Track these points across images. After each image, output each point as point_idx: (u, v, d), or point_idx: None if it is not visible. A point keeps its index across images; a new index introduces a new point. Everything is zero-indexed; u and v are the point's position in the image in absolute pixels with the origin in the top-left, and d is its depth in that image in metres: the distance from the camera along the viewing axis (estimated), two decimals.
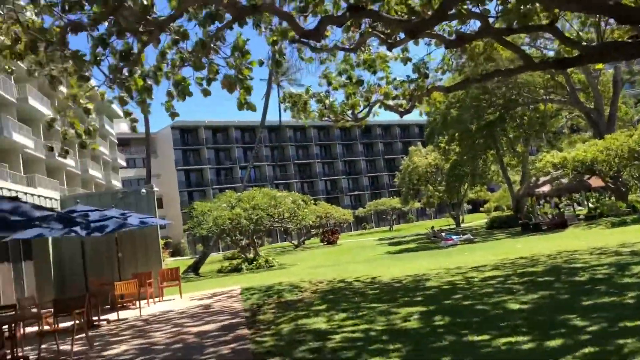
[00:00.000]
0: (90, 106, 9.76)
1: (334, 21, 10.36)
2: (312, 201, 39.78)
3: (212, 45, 8.96)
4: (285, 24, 12.20)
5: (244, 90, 9.61)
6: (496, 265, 15.08)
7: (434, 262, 18.79)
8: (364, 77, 15.73)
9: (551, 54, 29.72)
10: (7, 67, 10.51)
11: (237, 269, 28.30)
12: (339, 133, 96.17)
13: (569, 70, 38.39)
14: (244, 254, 32.01)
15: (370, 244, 42.91)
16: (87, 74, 9.07)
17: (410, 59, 14.07)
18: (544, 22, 12.07)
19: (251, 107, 9.81)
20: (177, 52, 9.58)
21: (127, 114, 10.95)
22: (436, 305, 9.69)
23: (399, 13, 11.64)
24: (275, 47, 12.56)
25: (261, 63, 11.21)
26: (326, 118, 17.41)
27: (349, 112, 17.41)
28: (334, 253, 37.10)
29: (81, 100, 10.45)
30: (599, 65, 31.73)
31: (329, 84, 15.88)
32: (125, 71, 9.24)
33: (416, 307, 9.58)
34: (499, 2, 12.49)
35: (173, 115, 10.34)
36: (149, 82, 9.60)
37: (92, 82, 9.71)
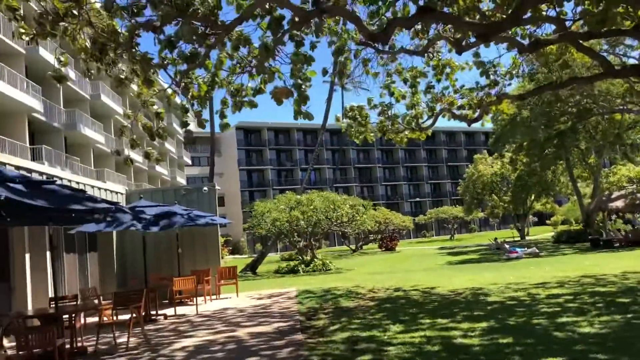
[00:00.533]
0: (161, 111, 9.90)
1: (403, 23, 10.07)
2: (372, 206, 39.37)
3: (276, 49, 8.86)
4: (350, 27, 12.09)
5: (301, 99, 9.43)
6: (562, 282, 14.30)
7: (497, 275, 18.08)
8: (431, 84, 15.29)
9: (632, 62, 28.12)
10: (86, 69, 10.77)
11: (293, 271, 28.34)
12: None
13: None
14: (301, 256, 32.05)
15: (429, 253, 42.07)
16: (153, 77, 9.19)
17: (483, 63, 13.56)
18: (627, 25, 11.34)
19: (308, 116, 9.63)
20: (238, 57, 9.55)
21: (198, 114, 10.98)
22: (498, 322, 9.21)
23: (471, 15, 11.22)
24: (340, 56, 12.36)
25: (325, 72, 11.06)
26: (387, 129, 17.04)
27: (413, 123, 16.98)
28: (392, 260, 36.58)
29: (151, 106, 10.65)
30: None
31: (392, 94, 15.59)
32: (189, 75, 9.30)
33: (477, 323, 9.14)
34: (576, 4, 11.85)
35: (224, 127, 10.31)
36: (209, 89, 9.61)
37: (162, 84, 9.85)
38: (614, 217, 39.28)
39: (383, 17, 10.73)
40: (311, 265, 28.88)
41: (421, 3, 9.70)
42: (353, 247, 53.68)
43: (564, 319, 8.98)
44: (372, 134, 16.31)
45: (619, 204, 32.87)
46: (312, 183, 76.71)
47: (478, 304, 11.52)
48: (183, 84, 9.20)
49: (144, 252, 13.91)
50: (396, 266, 29.60)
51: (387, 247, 50.95)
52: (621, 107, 38.63)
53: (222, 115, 10.46)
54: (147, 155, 10.65)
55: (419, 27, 12.53)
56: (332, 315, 11.37)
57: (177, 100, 10.93)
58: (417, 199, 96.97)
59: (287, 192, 35.48)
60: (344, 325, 9.98)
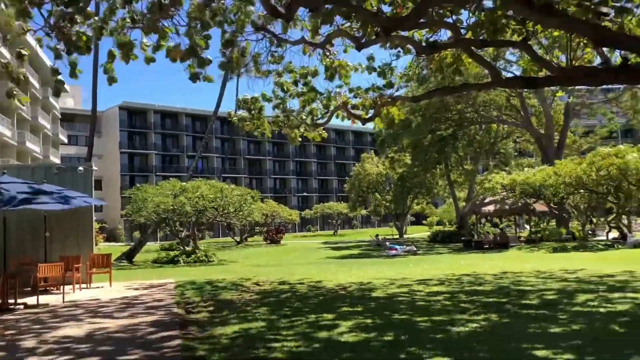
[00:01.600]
0: (25, 52, 8.62)
1: (309, 2, 9.71)
2: (260, 198, 38.94)
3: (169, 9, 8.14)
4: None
5: (198, 63, 8.79)
6: (442, 280, 14.80)
7: (379, 271, 18.40)
8: (324, 84, 15.28)
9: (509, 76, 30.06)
10: None
11: (173, 261, 27.19)
12: None
13: (525, 94, 39.21)
14: (183, 246, 30.86)
15: (314, 246, 42.45)
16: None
17: (375, 69, 13.63)
18: (515, 38, 11.85)
19: (208, 79, 8.99)
20: (129, 11, 8.67)
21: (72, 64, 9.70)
22: (383, 318, 9.19)
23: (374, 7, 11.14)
24: (229, 49, 11.68)
25: (226, 44, 10.45)
26: (280, 127, 16.74)
27: (308, 119, 16.83)
28: (277, 252, 36.40)
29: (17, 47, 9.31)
30: (560, 93, 32.51)
31: (285, 91, 15.30)
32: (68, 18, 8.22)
33: (362, 319, 9.04)
34: (471, 14, 12.19)
35: (111, 80, 9.36)
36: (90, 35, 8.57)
37: (30, 25, 8.50)
38: (483, 220, 42.01)
39: None
40: (193, 256, 27.88)
41: None
42: (238, 238, 52.89)
43: (444, 317, 9.14)
44: (268, 129, 15.90)
45: (490, 208, 35.17)
46: (199, 171, 74.62)
47: (363, 299, 11.51)
48: (58, 28, 8.06)
49: (5, 233, 12.42)
50: (281, 259, 29.41)
51: (272, 240, 50.78)
52: (497, 118, 41.46)
53: (107, 70, 9.46)
54: (9, 94, 9.14)
55: (322, 19, 12.30)
56: (213, 309, 10.80)
57: (45, 58, 9.69)
58: (305, 194, 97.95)
59: (171, 179, 34.02)
60: (226, 319, 9.47)
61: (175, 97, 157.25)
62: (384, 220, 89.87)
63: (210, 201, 28.63)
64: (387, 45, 12.26)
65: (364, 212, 71.06)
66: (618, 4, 10.00)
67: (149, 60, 9.63)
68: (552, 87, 37.24)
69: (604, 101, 45.86)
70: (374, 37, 11.98)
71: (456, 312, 9.61)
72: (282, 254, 34.93)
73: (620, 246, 25.57)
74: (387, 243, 35.40)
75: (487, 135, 43.58)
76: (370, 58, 13.17)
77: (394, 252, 29.64)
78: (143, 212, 28.65)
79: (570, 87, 37.08)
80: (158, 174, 78.44)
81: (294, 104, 16.21)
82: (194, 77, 8.92)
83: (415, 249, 30.87)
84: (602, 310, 9.13)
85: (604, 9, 9.26)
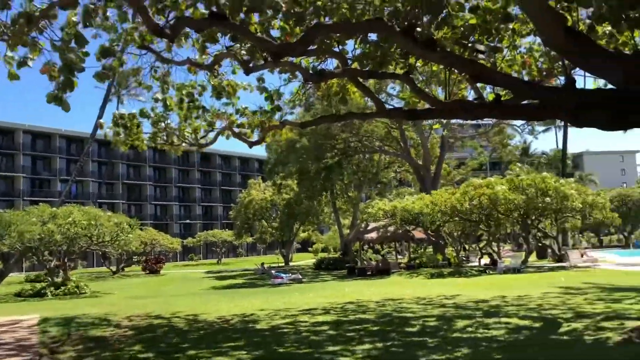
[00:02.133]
0: None
1: (193, 24, 9.33)
2: (139, 226, 36.93)
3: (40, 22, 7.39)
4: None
5: (64, 84, 8.03)
6: (327, 309, 14.69)
7: (264, 300, 17.96)
8: (211, 102, 14.92)
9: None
10: None
11: (40, 294, 24.80)
12: (176, 157, 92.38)
13: (404, 126, 41.12)
14: (51, 277, 28.28)
15: (196, 276, 40.97)
16: None
17: (266, 89, 13.46)
18: (399, 71, 12.25)
19: (63, 105, 8.23)
20: None
21: None
22: (266, 351, 8.81)
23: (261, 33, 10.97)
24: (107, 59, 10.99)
25: (99, 57, 9.72)
26: (161, 141, 16.09)
27: (191, 136, 16.32)
28: (156, 283, 34.62)
29: None
30: (437, 125, 34.35)
31: (166, 106, 14.71)
32: None
33: (246, 354, 8.60)
34: (357, 46, 12.46)
35: None
36: None
37: None
38: (366, 247, 43.06)
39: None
40: (63, 288, 25.61)
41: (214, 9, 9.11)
42: (114, 268, 49.71)
43: (330, 348, 8.96)
44: (144, 142, 15.09)
45: (373, 235, 36.11)
46: (72, 197, 69.57)
47: (246, 332, 11.04)
48: None
49: None
50: (160, 290, 27.95)
51: (151, 270, 48.33)
52: (380, 149, 43.05)
53: None
54: None
55: (205, 38, 11.94)
56: (82, 347, 9.80)
57: None
58: (188, 221, 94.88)
59: (41, 204, 31.32)
60: (96, 359, 8.59)
61: (50, 118, 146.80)
62: (270, 248, 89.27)
63: (83, 228, 26.61)
64: (274, 70, 12.15)
65: (249, 239, 70.10)
66: (492, 44, 10.67)
67: (13, 77, 8.71)
68: (429, 121, 39.46)
69: (474, 135, 49.38)
70: (262, 62, 11.82)
71: (342, 342, 9.47)
72: (161, 284, 33.28)
73: (491, 272, 27.20)
74: (273, 271, 34.98)
75: (370, 164, 45.09)
76: (260, 79, 12.98)
77: (279, 280, 29.29)
78: (6, 240, 26.00)
79: (445, 121, 39.52)
80: (26, 198, 72.02)
81: (175, 119, 15.55)
82: (51, 99, 8.13)
83: (300, 277, 30.76)
84: (479, 335, 9.42)
85: (480, 47, 9.80)
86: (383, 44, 11.37)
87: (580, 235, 54.26)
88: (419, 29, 9.56)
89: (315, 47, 11.88)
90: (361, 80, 13.04)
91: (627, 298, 13.60)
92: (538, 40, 11.54)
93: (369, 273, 31.93)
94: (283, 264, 53.24)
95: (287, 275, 31.26)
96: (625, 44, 9.74)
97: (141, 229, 45.45)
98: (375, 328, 10.99)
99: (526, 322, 10.46)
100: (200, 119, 15.83)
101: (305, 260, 62.28)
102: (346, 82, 13.93)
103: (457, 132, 46.14)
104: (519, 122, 42.51)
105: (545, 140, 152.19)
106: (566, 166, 50.78)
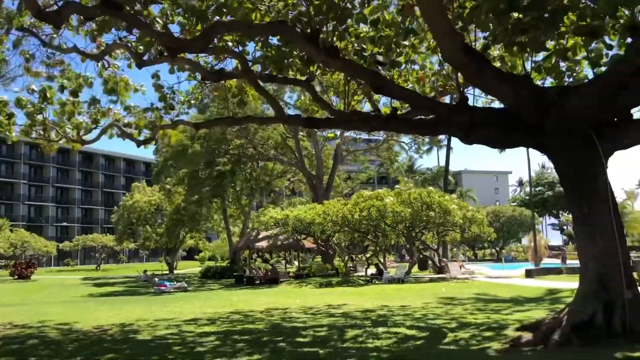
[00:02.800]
0: None
1: (82, 10, 8.57)
2: (9, 227, 33.82)
3: None
4: None
5: None
6: (213, 319, 14.13)
7: (146, 309, 16.97)
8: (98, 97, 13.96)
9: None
10: None
11: None
12: (55, 155, 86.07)
13: (299, 136, 41.34)
14: None
15: (72, 283, 38.28)
16: None
17: (161, 86, 12.76)
18: (300, 77, 12.14)
19: None
20: None
21: None
22: None
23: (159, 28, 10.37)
24: None
25: None
26: (36, 135, 14.84)
27: (73, 132, 15.18)
28: (25, 290, 31.81)
29: None
30: (331, 135, 34.78)
31: (44, 99, 13.58)
32: None
33: None
34: (257, 48, 12.19)
35: None
36: None
37: None
38: (254, 255, 42.60)
39: None
40: None
41: None
42: None
43: None
44: (14, 134, 13.80)
45: (264, 244, 35.76)
46: None
47: (127, 343, 10.25)
48: None
49: None
50: (29, 297, 25.65)
51: (20, 275, 44.46)
52: (274, 157, 42.91)
53: None
54: None
55: (94, 26, 11.11)
56: None
57: None
58: (65, 224, 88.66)
59: None
60: None
61: None
62: (154, 255, 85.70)
63: None
64: (174, 66, 11.55)
65: (132, 245, 66.86)
66: (390, 58, 10.85)
67: None
68: (324, 132, 39.99)
69: (366, 149, 50.82)
70: (158, 55, 11.18)
71: (230, 353, 9.04)
72: (31, 291, 30.63)
73: (377, 281, 27.88)
74: (156, 279, 33.48)
75: (264, 172, 44.78)
76: (155, 75, 12.25)
77: (163, 288, 28.06)
78: None
79: (339, 134, 40.27)
80: None
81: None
82: None
83: (186, 285, 29.67)
84: (370, 345, 9.41)
85: (381, 58, 9.91)
86: (285, 48, 11.19)
87: (456, 248, 57.46)
88: (322, 36, 9.50)
89: (214, 45, 11.47)
90: (261, 84, 12.80)
91: (503, 308, 14.38)
92: (434, 58, 11.96)
93: (258, 282, 31.52)
94: (167, 272, 51.28)
95: (172, 283, 30.03)
96: (514, 67, 10.31)
97: (11, 231, 41.76)
98: (265, 338, 10.66)
99: (414, 332, 10.63)
100: (84, 114, 14.77)
101: (191, 268, 60.46)
102: (245, 84, 13.61)
103: (349, 145, 47.22)
104: (407, 140, 44.25)
105: (427, 159, 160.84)
106: (448, 183, 53.65)
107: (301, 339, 10.45)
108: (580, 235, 9.12)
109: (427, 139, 41.99)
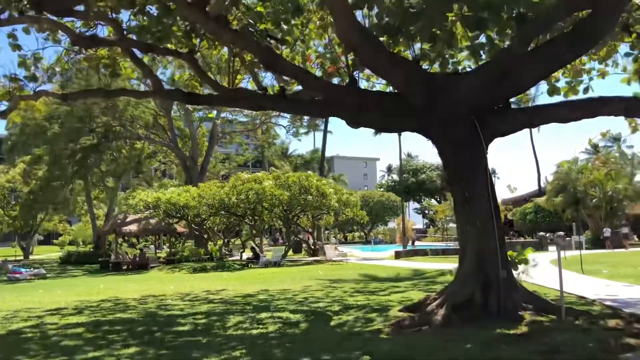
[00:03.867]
0: None
1: None
2: None
3: None
4: None
5: None
6: (80, 309, 12.97)
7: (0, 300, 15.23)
8: None
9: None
10: None
11: None
12: None
13: (173, 115, 39.55)
14: None
15: None
16: None
17: (20, 47, 11.24)
18: (183, 49, 11.37)
19: None
20: None
21: None
22: None
23: None
24: None
25: None
26: None
27: None
28: None
29: None
30: (211, 115, 33.58)
31: None
32: None
33: None
34: (132, 17, 11.24)
35: None
36: None
37: None
38: (120, 240, 40.25)
39: None
40: None
41: None
42: None
43: (90, 354, 7.71)
44: None
45: (133, 227, 33.83)
46: None
47: None
48: None
49: None
50: None
51: None
52: (144, 137, 40.67)
53: None
54: None
55: None
56: None
57: None
58: None
59: None
60: None
61: None
62: (5, 240, 77.99)
63: None
64: (35, 27, 10.22)
65: None
66: (278, 35, 10.48)
67: None
68: (199, 112, 38.63)
69: (243, 132, 49.93)
70: (17, 14, 9.82)
71: (104, 346, 8.25)
72: None
73: (253, 266, 27.53)
74: (10, 266, 30.33)
75: (133, 152, 42.25)
76: (12, 35, 10.74)
77: (18, 275, 25.49)
78: None
79: (216, 114, 39.10)
80: None
81: None
82: None
83: (44, 272, 27.21)
84: (255, 332, 9.07)
85: (274, 34, 9.51)
86: (165, 19, 10.38)
87: (327, 232, 58.90)
88: (211, 2, 8.90)
89: (85, 8, 10.35)
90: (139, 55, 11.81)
91: (381, 290, 14.75)
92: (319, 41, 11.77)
93: (125, 268, 29.82)
94: (22, 258, 46.91)
95: (28, 270, 27.39)
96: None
97: None
98: (140, 328, 9.90)
99: (298, 316, 10.47)
100: None
101: (50, 253, 55.88)
102: (119, 54, 12.48)
103: (226, 126, 46.10)
104: (285, 122, 44.11)
105: (299, 144, 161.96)
106: (324, 167, 54.56)
107: (180, 328, 9.85)
108: (460, 218, 9.47)
109: (305, 122, 42.11)
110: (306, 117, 39.23)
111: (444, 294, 9.65)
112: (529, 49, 8.33)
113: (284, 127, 43.40)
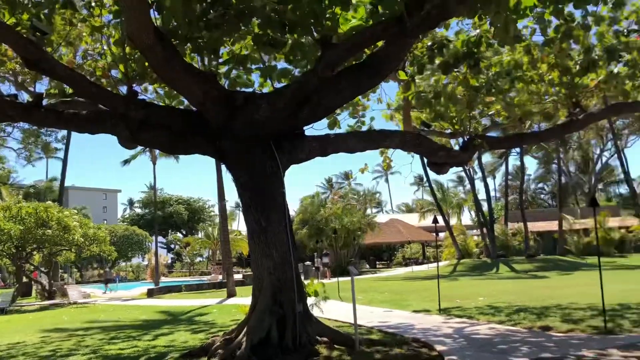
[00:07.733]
0: None
1: None
2: None
3: None
4: None
5: None
6: None
7: None
8: None
9: None
10: None
11: None
12: None
13: None
14: None
15: None
16: None
17: None
18: None
19: None
20: None
21: None
22: None
23: None
24: None
25: None
26: None
27: None
28: None
29: None
30: None
31: None
32: None
33: None
34: None
35: None
36: None
37: None
38: None
39: None
40: None
41: None
42: None
43: None
44: None
45: None
46: None
47: None
48: None
49: None
50: None
51: None
52: None
53: None
54: None
55: None
56: None
57: None
58: None
59: None
60: None
61: None
62: None
63: None
64: None
65: None
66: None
67: None
68: None
69: None
70: None
71: None
72: None
73: None
74: None
75: None
76: None
77: None
78: None
79: None
80: None
81: None
82: None
83: None
84: None
85: (41, 26, 7.67)
86: None
87: (63, 271, 52.54)
88: None
89: None
90: None
91: (143, 334, 13.03)
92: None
93: None
94: None
95: None
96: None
97: None
98: None
99: None
100: None
101: None
102: None
103: None
104: (15, 144, 37.95)
105: (25, 171, 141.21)
106: (63, 198, 48.59)
107: None
108: (256, 249, 8.73)
109: (39, 146, 36.83)
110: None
111: (234, 332, 8.79)
112: (332, 74, 8.18)
113: (15, 150, 37.44)
